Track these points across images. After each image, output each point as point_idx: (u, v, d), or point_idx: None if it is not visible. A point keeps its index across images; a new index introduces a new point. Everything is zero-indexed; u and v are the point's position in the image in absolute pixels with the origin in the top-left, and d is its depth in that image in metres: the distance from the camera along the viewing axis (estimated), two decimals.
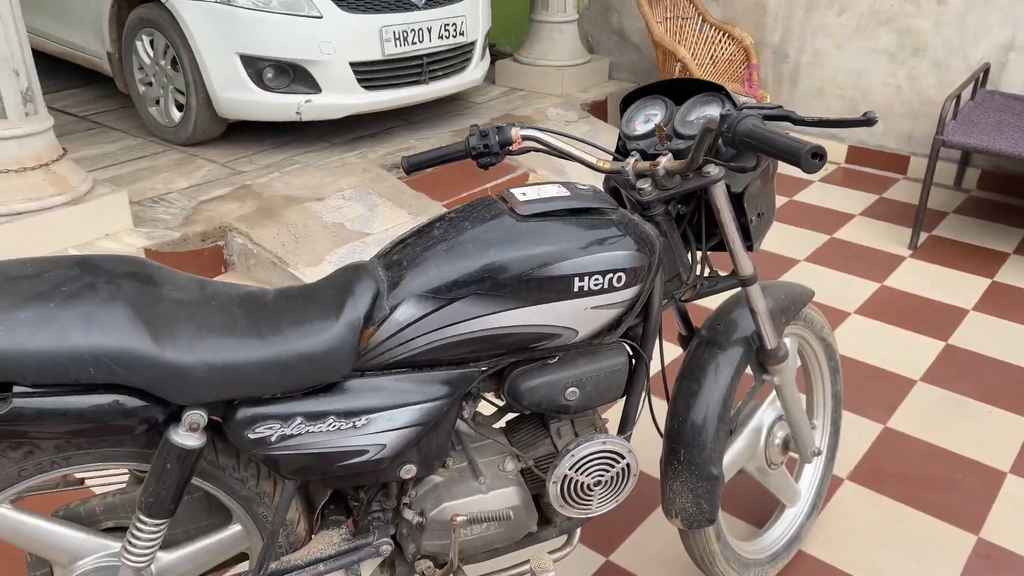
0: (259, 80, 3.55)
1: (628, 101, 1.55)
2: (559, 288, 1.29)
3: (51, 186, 2.82)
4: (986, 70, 3.90)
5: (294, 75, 3.59)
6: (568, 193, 1.36)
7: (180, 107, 3.78)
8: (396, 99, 3.85)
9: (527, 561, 1.53)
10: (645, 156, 1.47)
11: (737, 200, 1.46)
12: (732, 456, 1.71)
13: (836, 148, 4.52)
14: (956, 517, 2.08)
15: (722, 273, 1.59)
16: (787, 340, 1.82)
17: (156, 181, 3.47)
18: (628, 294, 1.35)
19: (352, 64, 3.63)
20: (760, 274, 3.27)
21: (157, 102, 3.87)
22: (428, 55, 3.90)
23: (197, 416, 1.18)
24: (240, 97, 3.56)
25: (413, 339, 1.27)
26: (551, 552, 1.56)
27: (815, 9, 4.35)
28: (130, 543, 1.25)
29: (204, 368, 1.16)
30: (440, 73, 4.02)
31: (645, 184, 1.41)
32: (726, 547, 1.69)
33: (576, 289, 1.30)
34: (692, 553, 1.68)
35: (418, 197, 3.52)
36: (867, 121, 1.27)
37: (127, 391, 1.13)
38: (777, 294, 1.70)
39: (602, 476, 1.43)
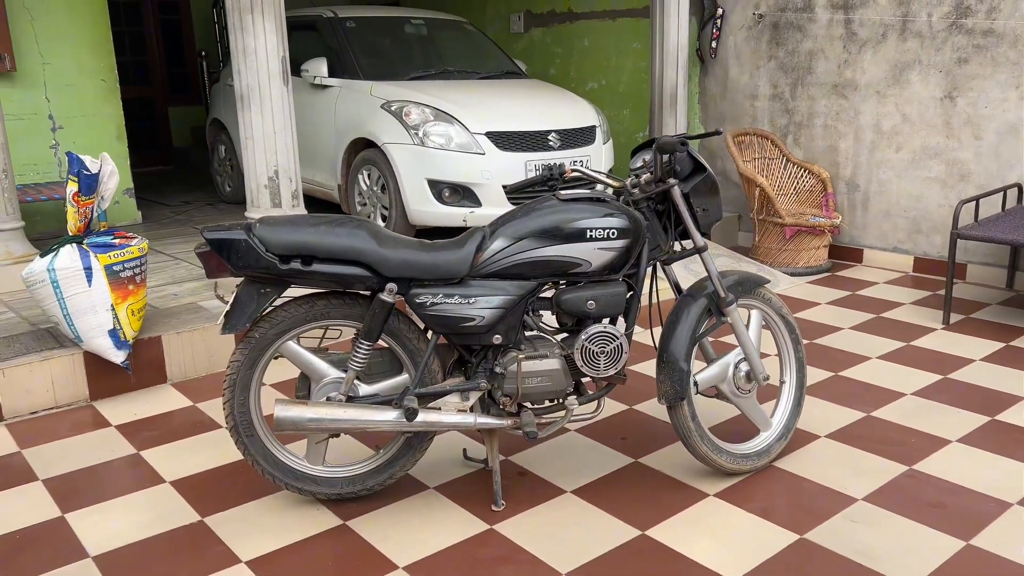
0: (439, 197, 5.00)
1: (635, 152, 2.71)
2: (578, 235, 2.43)
3: None
4: (1020, 188, 4.71)
5: (463, 194, 5.02)
6: (590, 192, 2.53)
7: (383, 219, 5.30)
8: None
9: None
10: (637, 177, 2.61)
11: (687, 199, 2.57)
12: (708, 375, 2.69)
13: (903, 260, 5.35)
14: (897, 457, 2.87)
15: (687, 246, 2.66)
16: (754, 313, 2.81)
17: None
18: (619, 244, 2.46)
19: (504, 186, 5.01)
20: (808, 333, 4.17)
21: (368, 217, 5.43)
22: None
23: (393, 285, 2.40)
24: (426, 209, 5.02)
25: (500, 260, 2.44)
26: (582, 417, 2.59)
27: (877, 148, 5.36)
28: (354, 356, 2.45)
29: (400, 260, 2.38)
30: None
31: (635, 190, 2.57)
32: (699, 428, 2.63)
33: (588, 236, 2.44)
34: (676, 429, 2.63)
35: None
36: (715, 132, 2.38)
37: (364, 267, 2.37)
38: (738, 273, 2.73)
39: (604, 347, 2.49)
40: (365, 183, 5.39)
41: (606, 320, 2.57)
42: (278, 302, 2.49)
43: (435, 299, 2.42)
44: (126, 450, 3.06)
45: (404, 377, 2.57)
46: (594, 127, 5.47)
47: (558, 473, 2.81)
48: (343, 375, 2.51)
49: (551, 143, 5.20)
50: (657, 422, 3.20)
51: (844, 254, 5.66)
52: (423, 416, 2.46)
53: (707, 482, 2.73)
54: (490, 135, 5.01)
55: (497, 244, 2.45)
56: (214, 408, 3.42)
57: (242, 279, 2.44)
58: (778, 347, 2.91)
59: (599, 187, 2.70)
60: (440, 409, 2.50)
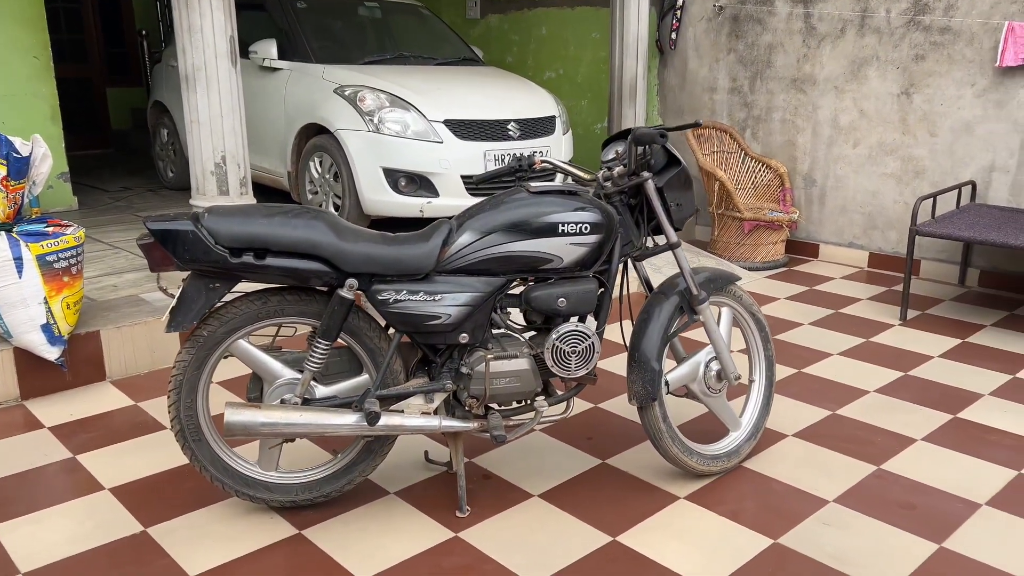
0: (395, 186, 4.84)
1: (606, 143, 2.61)
2: (549, 230, 2.32)
3: None
4: (973, 186, 4.76)
5: (420, 183, 4.87)
6: (561, 184, 2.42)
7: (336, 208, 5.12)
8: None
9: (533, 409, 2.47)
10: (610, 170, 2.51)
11: (661, 193, 2.48)
12: (679, 375, 2.61)
13: (859, 255, 5.38)
14: (865, 457, 2.84)
15: (660, 242, 2.57)
16: (724, 311, 2.74)
17: None
18: (592, 239, 2.36)
19: (462, 176, 4.88)
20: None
21: (320, 206, 5.24)
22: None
23: (353, 281, 2.25)
24: (381, 199, 4.85)
25: (467, 255, 2.32)
26: (551, 416, 2.48)
27: (835, 144, 5.37)
28: (311, 357, 2.30)
29: (361, 254, 2.24)
30: None
31: (608, 183, 2.46)
32: (671, 429, 2.55)
33: (560, 231, 2.33)
34: (647, 430, 2.55)
35: None
36: (695, 124, 2.29)
37: (322, 261, 2.22)
38: (709, 270, 2.66)
39: (575, 347, 2.39)
40: (316, 171, 5.20)
41: (575, 318, 2.47)
42: (228, 297, 2.33)
43: (398, 296, 2.29)
44: (61, 454, 2.85)
45: (364, 378, 2.43)
46: (554, 117, 5.37)
47: (524, 475, 2.71)
48: (299, 376, 2.36)
49: (511, 133, 5.07)
50: (623, 421, 3.11)
51: (800, 249, 5.67)
52: (385, 420, 2.33)
53: (676, 484, 2.66)
54: (448, 123, 4.86)
55: (464, 238, 2.32)
56: (157, 408, 3.23)
57: (189, 273, 2.27)
58: (748, 345, 2.85)
59: (569, 179, 2.60)
60: (403, 412, 2.37)
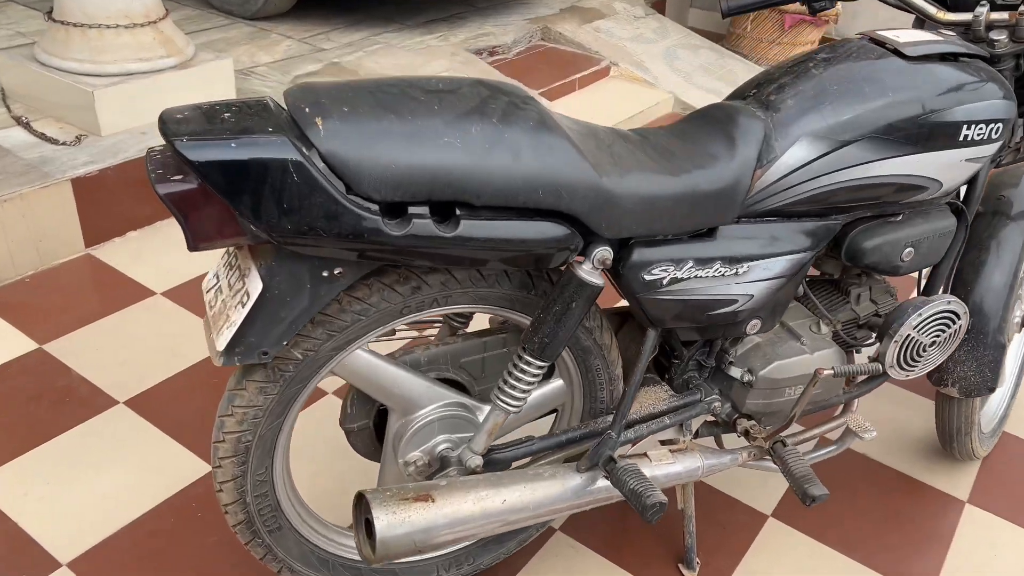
0: None
1: None
2: (948, 135, 1.25)
3: (160, 46, 2.59)
4: None
5: None
6: (941, 37, 1.30)
7: None
8: None
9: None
10: (995, 7, 1.41)
11: None
12: None
13: None
14: None
15: None
16: None
17: (238, 53, 3.24)
18: (994, 148, 1.32)
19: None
20: None
21: None
22: None
23: (606, 252, 1.11)
24: None
25: (800, 183, 1.22)
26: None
27: None
28: (510, 385, 1.19)
29: (632, 200, 1.09)
30: None
31: (1001, 36, 1.37)
32: (978, 420, 1.72)
33: (961, 137, 1.26)
34: (948, 424, 1.71)
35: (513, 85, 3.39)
36: None
37: (559, 218, 1.05)
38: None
39: (939, 336, 1.42)
40: None
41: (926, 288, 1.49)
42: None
43: (679, 272, 1.18)
44: None
45: (556, 385, 1.36)
46: None
47: (727, 479, 1.81)
48: (461, 399, 1.26)
49: None
50: None
51: None
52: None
53: (940, 475, 1.86)
54: None
55: (796, 153, 1.20)
56: (76, 353, 1.97)
57: (268, 247, 1.02)
58: None
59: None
60: (647, 456, 1.35)
